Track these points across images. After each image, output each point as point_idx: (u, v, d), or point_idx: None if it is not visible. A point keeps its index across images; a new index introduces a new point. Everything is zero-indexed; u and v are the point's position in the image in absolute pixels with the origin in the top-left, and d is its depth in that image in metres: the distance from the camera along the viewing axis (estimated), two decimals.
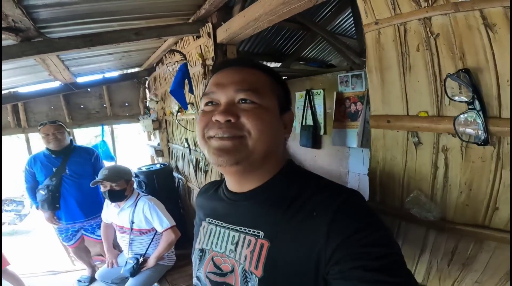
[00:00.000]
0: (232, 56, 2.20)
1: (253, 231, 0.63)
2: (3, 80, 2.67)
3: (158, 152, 3.64)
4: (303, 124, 3.65)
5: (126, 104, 3.96)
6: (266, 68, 0.71)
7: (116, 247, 2.68)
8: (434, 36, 0.81)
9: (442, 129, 0.82)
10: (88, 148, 2.97)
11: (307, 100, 3.63)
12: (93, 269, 3.10)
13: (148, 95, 4.04)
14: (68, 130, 2.78)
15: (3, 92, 3.03)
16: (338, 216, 0.54)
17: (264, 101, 0.63)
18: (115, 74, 3.79)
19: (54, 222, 2.74)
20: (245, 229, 0.65)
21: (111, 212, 2.44)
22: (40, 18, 1.51)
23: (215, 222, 0.74)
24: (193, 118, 2.66)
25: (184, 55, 2.55)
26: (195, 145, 2.71)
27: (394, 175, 0.95)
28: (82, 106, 3.65)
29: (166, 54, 3.06)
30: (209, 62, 2.17)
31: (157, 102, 3.45)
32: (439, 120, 0.81)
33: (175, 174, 3.39)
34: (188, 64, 2.39)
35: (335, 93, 3.36)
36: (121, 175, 2.26)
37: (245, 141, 0.61)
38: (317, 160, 3.62)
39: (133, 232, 2.32)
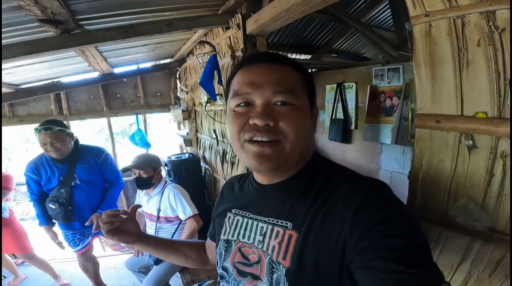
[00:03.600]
0: (262, 48, 2.14)
1: (281, 222, 0.64)
2: (46, 71, 2.85)
3: (187, 142, 3.71)
4: (333, 117, 3.52)
5: (158, 94, 4.08)
6: (296, 64, 0.68)
7: None
8: (499, 30, 0.71)
9: (502, 133, 0.72)
10: (97, 149, 2.47)
11: (338, 93, 3.52)
12: None
13: (178, 85, 4.14)
14: (69, 131, 2.25)
15: (46, 81, 3.25)
16: (362, 207, 0.54)
17: (300, 102, 0.62)
18: (148, 65, 3.89)
19: (58, 244, 2.39)
20: (273, 220, 0.65)
21: (142, 200, 2.53)
22: (78, 10, 1.55)
23: (242, 213, 0.74)
24: (221, 109, 2.67)
25: (213, 47, 2.54)
26: (223, 136, 2.72)
27: (439, 180, 0.87)
28: (118, 96, 3.82)
29: (196, 45, 3.08)
30: (238, 53, 2.13)
31: (187, 92, 3.50)
32: (500, 123, 0.72)
33: (202, 164, 3.44)
34: (217, 55, 2.37)
35: (368, 86, 3.21)
36: (149, 163, 2.32)
37: (282, 145, 0.61)
38: (346, 155, 3.51)
39: (160, 220, 2.38)
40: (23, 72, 2.57)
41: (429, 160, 0.90)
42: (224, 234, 0.76)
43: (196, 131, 3.70)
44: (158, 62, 3.94)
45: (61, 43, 1.63)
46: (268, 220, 0.66)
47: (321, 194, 0.61)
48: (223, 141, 2.72)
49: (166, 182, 2.47)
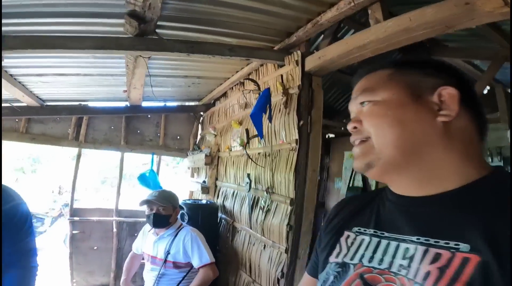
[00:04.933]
0: (317, 88, 2.13)
1: (445, 243, 0.51)
2: (78, 89, 2.77)
3: (204, 189, 3.43)
4: (350, 185, 3.51)
5: (178, 137, 3.97)
6: (390, 62, 0.65)
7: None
8: None
9: None
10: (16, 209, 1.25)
11: None
12: None
13: (199, 131, 4.08)
14: None
15: (74, 103, 3.14)
16: None
17: (379, 94, 0.60)
18: (174, 104, 3.87)
19: None
20: (427, 240, 0.53)
21: (147, 241, 2.22)
22: (165, 14, 1.55)
23: (370, 231, 0.62)
24: (258, 153, 2.49)
25: (258, 85, 2.52)
26: (257, 182, 2.46)
27: None
28: (138, 131, 3.69)
29: (233, 87, 3.09)
30: (293, 91, 2.09)
31: (215, 135, 3.38)
32: None
33: (219, 213, 3.12)
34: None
35: None
36: (170, 200, 2.15)
37: (370, 143, 0.59)
38: None
39: (166, 264, 2.06)
40: (59, 84, 2.46)
41: None
42: (338, 256, 0.64)
43: (216, 179, 3.45)
44: (184, 103, 3.93)
45: (132, 45, 1.63)
46: (418, 239, 0.54)
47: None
48: (257, 188, 2.46)
49: (181, 224, 2.24)
